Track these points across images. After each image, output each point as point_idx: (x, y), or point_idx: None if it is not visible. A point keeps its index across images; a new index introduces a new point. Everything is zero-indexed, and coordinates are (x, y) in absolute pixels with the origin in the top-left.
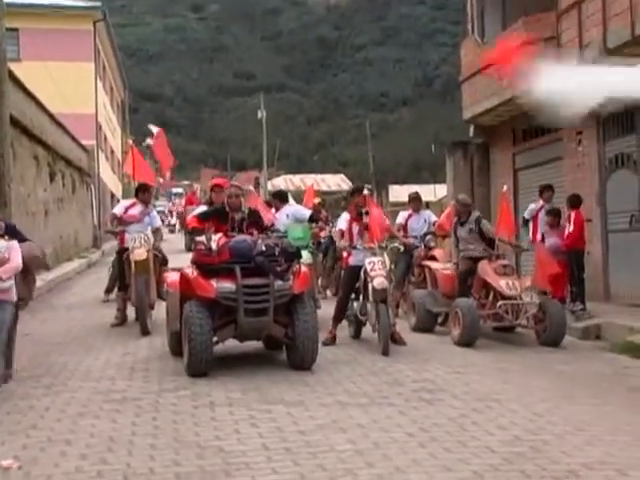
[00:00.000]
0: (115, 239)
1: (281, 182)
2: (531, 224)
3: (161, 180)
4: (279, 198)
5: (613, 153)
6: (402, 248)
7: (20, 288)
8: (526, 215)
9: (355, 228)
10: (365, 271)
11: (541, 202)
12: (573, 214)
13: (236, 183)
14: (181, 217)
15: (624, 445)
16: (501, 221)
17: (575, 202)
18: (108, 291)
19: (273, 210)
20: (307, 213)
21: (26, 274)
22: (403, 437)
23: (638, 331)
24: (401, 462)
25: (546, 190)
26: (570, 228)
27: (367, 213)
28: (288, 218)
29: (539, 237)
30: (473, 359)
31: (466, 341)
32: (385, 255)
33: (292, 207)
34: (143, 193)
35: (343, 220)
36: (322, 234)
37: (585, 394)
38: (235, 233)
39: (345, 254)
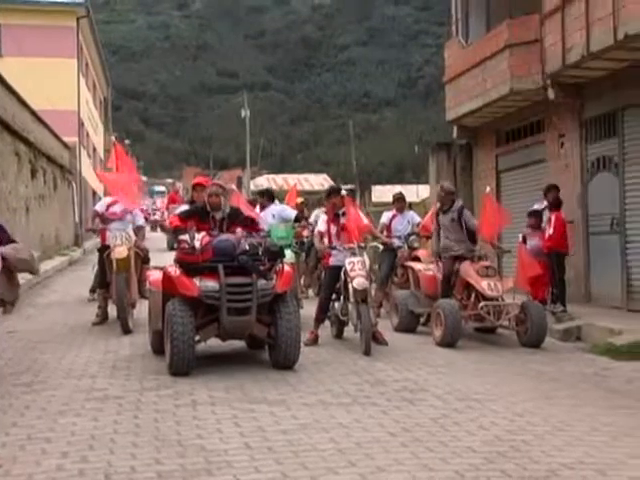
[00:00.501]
0: (97, 237)
1: (264, 181)
2: None
3: (144, 178)
4: (267, 197)
5: (595, 156)
6: (381, 247)
7: (4, 291)
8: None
9: (333, 229)
10: (345, 271)
11: (545, 202)
12: (553, 216)
13: (218, 182)
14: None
15: (603, 445)
16: (484, 222)
17: (556, 204)
18: (93, 290)
19: (258, 209)
20: (292, 213)
21: (10, 277)
22: (385, 437)
23: (618, 333)
24: (383, 461)
25: (551, 190)
26: (550, 230)
27: (344, 214)
28: (274, 218)
29: (520, 239)
30: (455, 359)
31: (448, 342)
32: (365, 255)
33: (278, 207)
34: None
35: (322, 221)
36: (305, 233)
37: (565, 395)
38: (216, 232)
39: (325, 255)
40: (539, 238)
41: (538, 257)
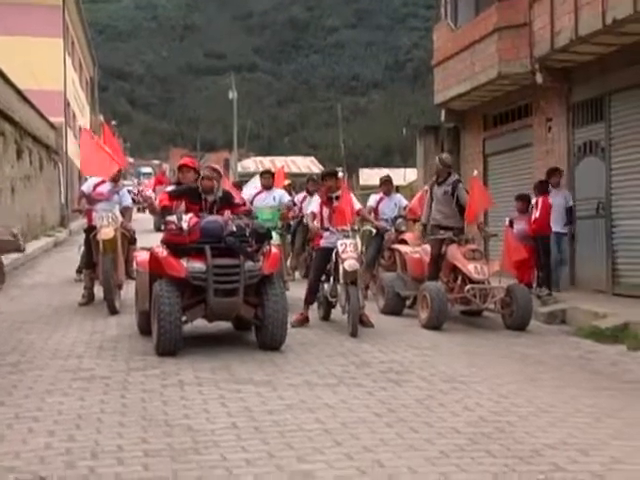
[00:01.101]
0: (83, 218)
1: (251, 164)
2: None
3: (131, 160)
4: (273, 178)
5: (582, 140)
6: (374, 231)
7: None
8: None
9: (325, 211)
10: (337, 253)
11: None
12: (540, 200)
13: (213, 165)
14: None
15: (586, 426)
16: (472, 205)
17: (542, 188)
18: (80, 271)
19: (255, 189)
20: (287, 199)
21: None
22: (371, 417)
23: (602, 316)
24: (369, 441)
25: (554, 174)
26: (537, 214)
27: (337, 198)
28: (275, 200)
29: (507, 222)
30: (440, 342)
31: (434, 324)
32: (357, 238)
33: (279, 190)
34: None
35: (315, 203)
36: (290, 215)
37: (549, 377)
38: (206, 214)
39: (316, 236)
40: (525, 222)
41: (524, 241)
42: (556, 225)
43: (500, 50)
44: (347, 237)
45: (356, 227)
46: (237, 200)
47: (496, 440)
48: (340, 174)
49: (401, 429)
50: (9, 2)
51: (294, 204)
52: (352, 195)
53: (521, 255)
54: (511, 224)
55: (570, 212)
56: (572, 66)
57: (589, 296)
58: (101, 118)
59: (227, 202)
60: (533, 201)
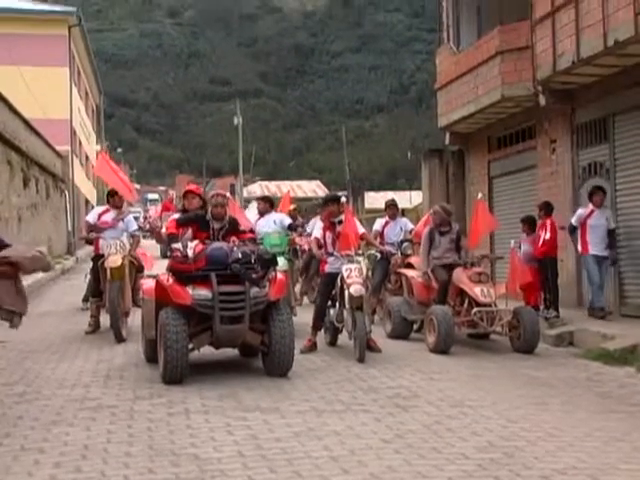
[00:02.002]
0: (92, 246)
1: (257, 188)
2: (579, 232)
3: (137, 186)
4: (269, 203)
5: (586, 161)
6: (379, 255)
7: (14, 301)
8: (573, 222)
9: (328, 237)
10: (342, 278)
11: (590, 207)
12: (548, 221)
13: (221, 192)
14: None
15: (595, 451)
16: (476, 228)
17: (549, 210)
18: (86, 299)
19: (257, 215)
20: (287, 222)
21: (18, 285)
22: (378, 444)
23: (611, 338)
24: (376, 469)
25: (596, 193)
26: (546, 235)
27: (340, 222)
28: (275, 224)
29: (512, 244)
30: (448, 366)
31: (441, 348)
32: (362, 262)
33: (279, 214)
34: (113, 198)
35: (318, 228)
36: (298, 241)
37: (558, 400)
38: (213, 241)
39: (322, 262)
40: (530, 244)
41: (530, 263)
42: (596, 248)
43: (503, 73)
44: (352, 262)
45: (360, 251)
46: (242, 227)
47: (505, 466)
48: (343, 199)
49: (409, 455)
50: (15, 33)
51: (303, 229)
52: (355, 219)
53: (526, 278)
54: (518, 246)
55: (612, 234)
56: (575, 88)
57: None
58: (97, 147)
59: (233, 229)
60: (539, 222)
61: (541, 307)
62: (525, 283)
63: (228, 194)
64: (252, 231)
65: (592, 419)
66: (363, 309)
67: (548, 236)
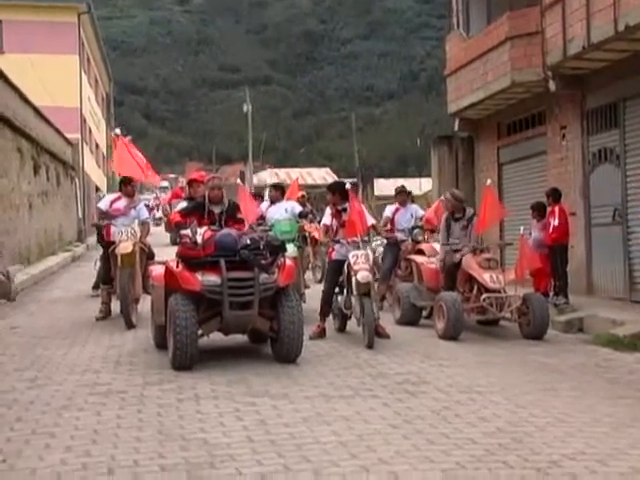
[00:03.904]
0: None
1: (266, 175)
2: None
3: (150, 172)
4: (281, 190)
5: (596, 147)
6: (384, 242)
7: None
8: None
9: (334, 224)
10: (349, 265)
11: None
12: (557, 208)
13: (217, 175)
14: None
15: (604, 436)
16: (484, 214)
17: (557, 196)
18: (96, 287)
19: (267, 203)
20: (298, 209)
21: None
22: (387, 429)
23: (620, 324)
24: (385, 454)
25: None
26: (555, 222)
27: (345, 210)
28: (286, 212)
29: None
30: (457, 352)
31: (450, 334)
32: (369, 249)
33: (290, 202)
34: (126, 186)
35: (327, 215)
36: (309, 227)
37: (567, 386)
38: (216, 226)
39: (330, 248)
40: (540, 230)
41: (540, 249)
42: None
43: (513, 59)
44: (358, 248)
45: (366, 238)
46: (240, 215)
47: (513, 451)
48: (348, 185)
49: (417, 441)
50: (24, 20)
51: (313, 216)
52: (363, 207)
53: (535, 264)
54: (530, 233)
55: None
56: (585, 73)
57: (606, 304)
58: (117, 131)
59: (232, 213)
60: (549, 209)
61: (550, 294)
62: (534, 269)
63: (239, 181)
64: (262, 217)
65: (601, 405)
66: (371, 295)
67: (557, 222)
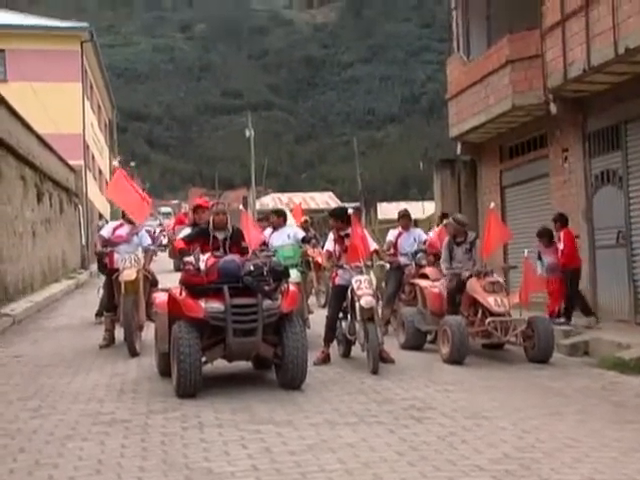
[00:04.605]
0: (102, 261)
1: (269, 201)
2: None
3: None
4: (283, 217)
5: (599, 169)
6: (388, 266)
7: None
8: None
9: (337, 249)
10: (352, 290)
11: None
12: (562, 233)
13: (221, 201)
14: (170, 241)
15: (612, 461)
16: (489, 238)
17: (563, 221)
18: (99, 314)
19: (270, 229)
20: (301, 235)
21: None
22: (392, 456)
23: (626, 347)
24: None
25: None
26: (561, 247)
27: (347, 236)
28: (289, 238)
29: (526, 254)
30: (462, 376)
31: (455, 359)
32: (372, 274)
33: (293, 228)
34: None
35: (329, 240)
36: (312, 252)
37: (573, 410)
38: (221, 253)
39: (333, 274)
40: (552, 254)
41: (554, 273)
42: None
43: (513, 82)
44: (361, 273)
45: (369, 263)
46: (244, 244)
47: (521, 478)
48: (350, 210)
49: (424, 468)
50: (27, 49)
51: (317, 241)
52: (365, 232)
53: (539, 288)
54: (539, 257)
55: None
56: (586, 96)
57: (612, 326)
58: (115, 163)
59: (237, 240)
60: (555, 235)
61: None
62: (540, 291)
63: (241, 207)
64: (265, 244)
65: (608, 429)
66: (374, 320)
67: (562, 247)
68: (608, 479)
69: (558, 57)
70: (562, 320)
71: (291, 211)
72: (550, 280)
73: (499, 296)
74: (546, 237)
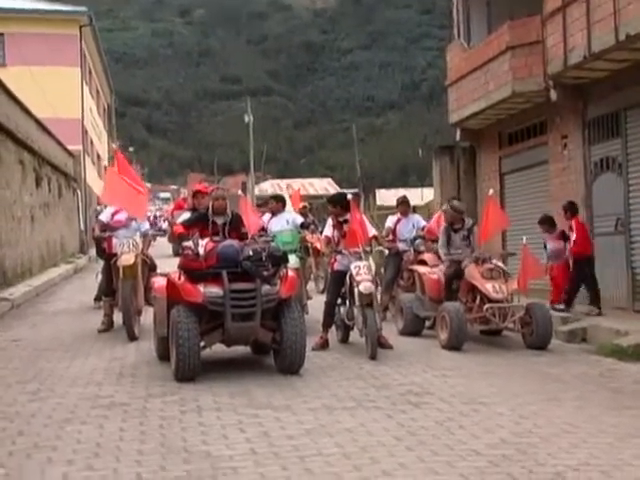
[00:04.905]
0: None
1: (268, 186)
2: None
3: (149, 185)
4: (281, 202)
5: (598, 157)
6: (386, 252)
7: None
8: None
9: (336, 235)
10: (351, 276)
11: None
12: (574, 222)
13: (221, 186)
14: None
15: (609, 447)
16: (486, 224)
17: (574, 210)
18: (98, 299)
19: (269, 214)
20: (300, 220)
21: None
22: (390, 441)
23: (624, 334)
24: (388, 465)
25: None
26: (574, 236)
27: (346, 222)
28: (288, 223)
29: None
30: (460, 362)
31: (453, 345)
32: (370, 259)
33: (292, 214)
34: None
35: (328, 226)
36: (310, 238)
37: (571, 396)
38: (220, 238)
39: (332, 259)
40: (553, 240)
41: (558, 260)
42: None
43: (513, 68)
44: (360, 259)
45: (368, 248)
46: (244, 230)
47: (517, 462)
48: (349, 196)
49: (421, 452)
50: (26, 32)
51: (316, 226)
52: (364, 217)
53: (538, 274)
54: (544, 246)
55: None
56: (586, 83)
57: (610, 313)
58: (114, 146)
59: (236, 225)
60: (567, 224)
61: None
62: (539, 278)
63: (240, 192)
64: (264, 229)
65: (605, 415)
66: (373, 306)
67: (576, 237)
68: (604, 464)
69: (558, 43)
70: (562, 307)
71: (290, 197)
72: (553, 267)
73: (497, 282)
74: (547, 224)
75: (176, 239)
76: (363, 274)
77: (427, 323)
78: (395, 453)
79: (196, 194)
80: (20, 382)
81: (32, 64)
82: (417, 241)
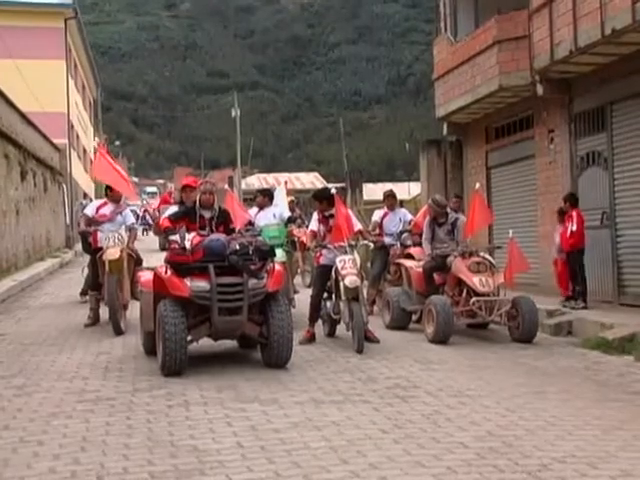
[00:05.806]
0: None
1: (255, 181)
2: None
3: (135, 179)
4: (269, 197)
5: (584, 151)
6: (372, 245)
7: None
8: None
9: (321, 229)
10: (336, 270)
11: None
12: (574, 213)
13: (209, 179)
14: (154, 220)
15: (594, 439)
16: (473, 218)
17: (574, 201)
18: (84, 293)
19: (255, 208)
20: (287, 215)
21: None
22: (377, 434)
23: (609, 327)
24: (375, 459)
25: None
26: (573, 227)
27: (332, 216)
28: (275, 217)
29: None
30: (447, 356)
31: (440, 338)
32: (355, 253)
33: (278, 208)
34: (112, 192)
35: (314, 221)
36: (297, 232)
37: (557, 389)
38: (206, 232)
39: (317, 254)
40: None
41: (560, 254)
42: None
43: (500, 62)
44: (345, 253)
45: (353, 242)
46: (232, 226)
47: (504, 455)
48: (333, 190)
49: (408, 445)
50: (11, 25)
51: (302, 221)
52: (350, 212)
53: (523, 269)
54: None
55: None
56: (572, 77)
57: (595, 307)
58: (94, 143)
59: (223, 220)
60: (567, 214)
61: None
62: (525, 272)
63: (227, 186)
64: (251, 223)
65: (591, 408)
66: (359, 300)
67: (575, 228)
68: (589, 456)
69: (545, 38)
70: (580, 304)
71: (269, 193)
72: (557, 261)
73: (484, 276)
74: (570, 201)
75: (162, 232)
76: (348, 268)
77: (414, 317)
78: (382, 446)
79: (185, 188)
80: (5, 377)
81: (17, 57)
82: (404, 235)
